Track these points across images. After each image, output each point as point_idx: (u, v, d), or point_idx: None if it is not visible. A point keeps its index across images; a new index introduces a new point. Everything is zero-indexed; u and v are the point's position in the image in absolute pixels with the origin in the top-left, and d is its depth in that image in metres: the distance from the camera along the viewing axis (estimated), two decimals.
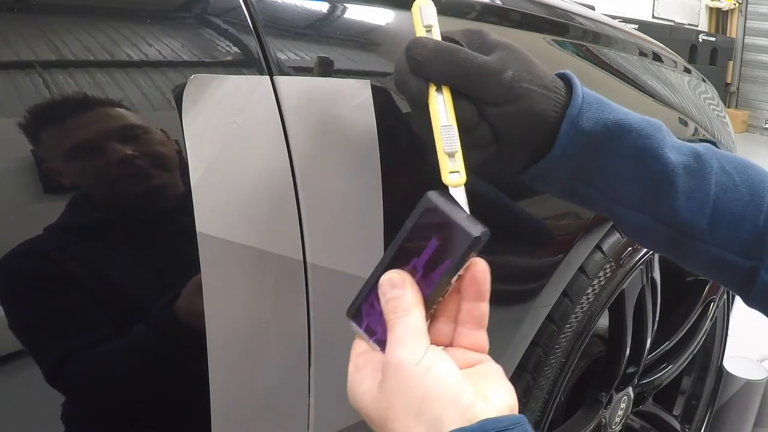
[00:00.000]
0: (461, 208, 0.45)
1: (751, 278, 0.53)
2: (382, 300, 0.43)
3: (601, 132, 0.49)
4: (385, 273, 0.45)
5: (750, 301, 0.55)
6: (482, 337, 0.44)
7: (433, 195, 0.44)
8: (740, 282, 0.54)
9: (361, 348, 0.45)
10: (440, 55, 0.47)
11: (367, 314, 0.45)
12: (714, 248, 0.52)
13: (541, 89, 0.49)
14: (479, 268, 0.44)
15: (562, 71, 0.53)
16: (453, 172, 0.47)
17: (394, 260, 0.45)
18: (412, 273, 0.44)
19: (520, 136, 0.50)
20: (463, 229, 0.43)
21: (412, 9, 0.51)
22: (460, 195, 0.47)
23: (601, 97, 0.52)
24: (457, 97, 0.48)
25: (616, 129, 0.50)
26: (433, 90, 0.48)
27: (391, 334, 0.42)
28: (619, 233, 0.97)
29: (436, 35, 0.50)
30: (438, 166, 0.48)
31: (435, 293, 0.43)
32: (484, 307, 0.44)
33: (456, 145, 0.47)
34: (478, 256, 0.44)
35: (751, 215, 0.51)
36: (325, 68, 0.58)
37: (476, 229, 0.43)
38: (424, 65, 0.47)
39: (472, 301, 0.44)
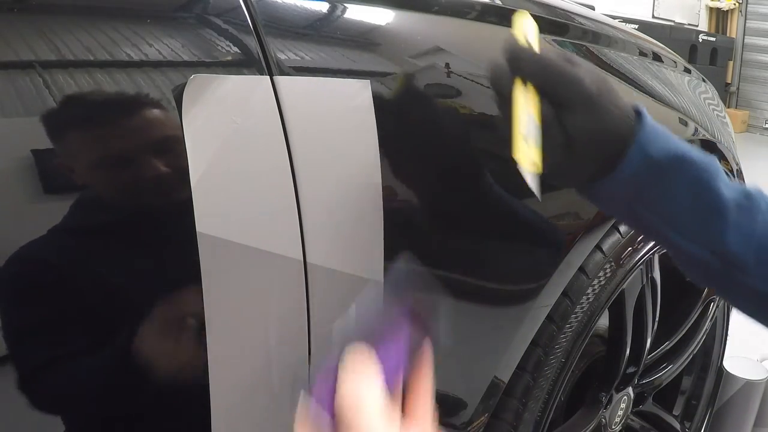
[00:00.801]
0: None
1: None
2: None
3: (665, 160, 0.54)
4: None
5: None
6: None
7: None
8: None
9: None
10: (538, 59, 0.54)
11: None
12: (760, 282, 0.56)
13: (618, 110, 0.55)
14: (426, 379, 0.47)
15: (633, 104, 0.58)
16: (527, 157, 0.53)
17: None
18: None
19: (590, 147, 0.55)
20: None
21: (514, 20, 0.59)
22: (532, 180, 0.53)
23: (666, 130, 0.57)
24: (540, 97, 0.55)
25: (679, 160, 0.55)
26: (521, 86, 0.54)
27: None
28: (619, 233, 0.97)
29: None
30: (515, 150, 0.53)
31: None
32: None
33: (531, 131, 0.53)
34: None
35: None
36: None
37: None
38: (522, 64, 0.54)
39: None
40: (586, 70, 0.55)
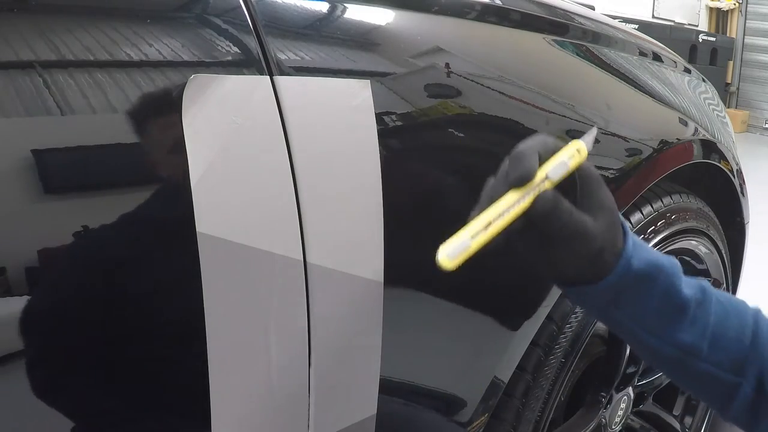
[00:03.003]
0: None
1: (733, 392, 0.62)
2: None
3: (643, 270, 0.59)
4: None
5: (727, 414, 0.64)
6: None
7: None
8: (723, 395, 0.63)
9: None
10: (553, 214, 0.54)
11: None
12: (709, 366, 0.62)
13: (614, 250, 0.58)
14: None
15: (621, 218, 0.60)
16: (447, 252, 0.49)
17: None
18: None
19: (580, 272, 0.59)
20: None
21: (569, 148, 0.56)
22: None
23: (638, 239, 0.61)
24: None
25: (654, 268, 0.59)
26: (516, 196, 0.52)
27: None
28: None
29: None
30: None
31: None
32: None
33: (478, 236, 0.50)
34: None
35: (740, 339, 0.62)
36: None
37: None
38: (536, 212, 0.53)
39: None
40: (599, 218, 0.57)
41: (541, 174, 0.53)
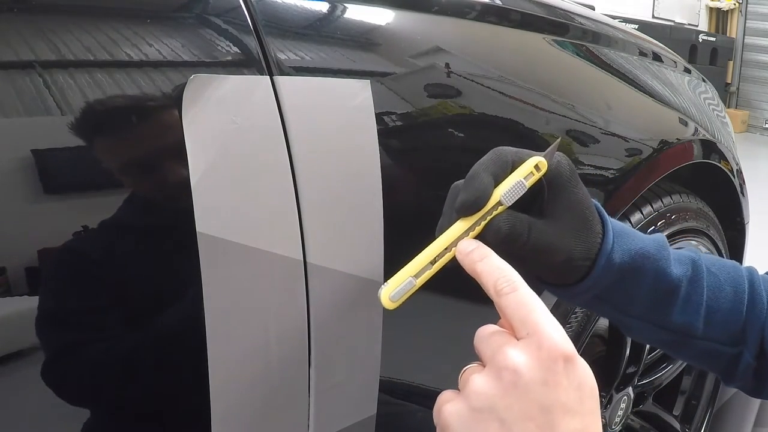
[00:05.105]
0: None
1: (735, 362, 0.59)
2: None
3: (627, 263, 0.54)
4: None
5: (731, 382, 0.61)
6: None
7: None
8: (725, 367, 0.60)
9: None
10: (508, 240, 0.49)
11: None
12: (707, 343, 0.58)
13: (587, 254, 0.53)
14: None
15: (597, 206, 0.55)
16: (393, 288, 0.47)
17: None
18: None
19: (555, 277, 0.55)
20: None
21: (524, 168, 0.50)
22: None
23: (623, 226, 0.56)
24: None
25: (639, 257, 0.55)
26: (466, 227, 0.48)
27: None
28: None
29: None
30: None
31: None
32: None
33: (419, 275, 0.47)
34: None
35: (736, 309, 0.58)
36: None
37: None
38: (488, 241, 0.48)
39: None
40: (569, 218, 0.52)
41: (494, 198, 0.48)
